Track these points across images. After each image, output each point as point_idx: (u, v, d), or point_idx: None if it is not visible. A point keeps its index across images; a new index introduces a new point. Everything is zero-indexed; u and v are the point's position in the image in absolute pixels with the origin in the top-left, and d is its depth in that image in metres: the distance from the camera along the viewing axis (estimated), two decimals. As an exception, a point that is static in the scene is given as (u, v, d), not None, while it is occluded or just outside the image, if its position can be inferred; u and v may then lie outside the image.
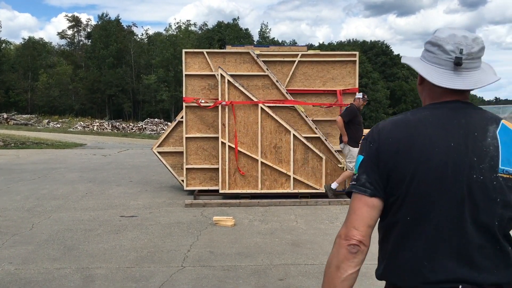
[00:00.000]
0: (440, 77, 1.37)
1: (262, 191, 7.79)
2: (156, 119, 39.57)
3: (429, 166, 1.32)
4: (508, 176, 1.32)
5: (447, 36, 1.39)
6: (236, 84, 7.75)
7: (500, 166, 1.31)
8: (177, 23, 62.63)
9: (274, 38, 67.94)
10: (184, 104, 8.12)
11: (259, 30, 70.10)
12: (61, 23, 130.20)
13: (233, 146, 7.72)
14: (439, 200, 1.32)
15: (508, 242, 1.36)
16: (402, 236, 1.37)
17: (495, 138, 1.33)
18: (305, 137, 7.79)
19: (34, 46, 57.94)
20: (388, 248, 1.41)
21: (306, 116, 7.97)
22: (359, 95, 7.79)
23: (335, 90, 8.26)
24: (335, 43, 69.34)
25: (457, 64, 1.36)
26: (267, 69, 7.98)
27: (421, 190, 1.32)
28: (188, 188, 8.20)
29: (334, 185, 7.63)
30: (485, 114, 1.39)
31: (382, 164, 1.36)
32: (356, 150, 7.05)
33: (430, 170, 1.32)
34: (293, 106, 7.97)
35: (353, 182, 1.41)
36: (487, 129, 1.35)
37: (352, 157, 7.40)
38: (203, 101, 8.04)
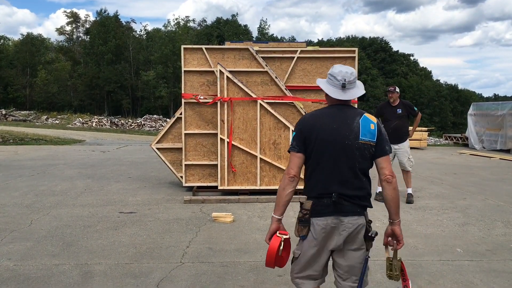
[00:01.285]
0: (335, 93, 2.65)
1: (261, 188, 7.80)
2: (155, 116, 39.51)
3: (323, 137, 2.57)
4: (363, 142, 2.56)
5: (338, 72, 2.65)
6: (235, 80, 7.73)
7: (360, 137, 2.56)
8: (176, 19, 62.60)
9: (273, 34, 67.88)
10: (183, 100, 8.11)
11: (258, 26, 69.90)
12: (59, 19, 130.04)
13: (232, 142, 7.71)
14: (328, 154, 2.56)
15: (365, 176, 2.61)
16: (311, 172, 2.64)
17: (358, 123, 2.58)
18: (304, 134, 7.77)
19: (32, 42, 57.77)
20: (306, 178, 2.67)
21: (305, 113, 7.96)
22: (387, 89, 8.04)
23: (334, 87, 8.24)
24: (334, 40, 69.28)
25: (343, 86, 2.63)
26: (266, 65, 7.96)
27: (320, 148, 2.58)
28: (187, 185, 8.20)
29: (410, 190, 7.77)
30: (356, 110, 2.65)
31: (303, 136, 2.62)
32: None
33: (324, 139, 2.57)
34: (292, 103, 7.96)
35: (291, 146, 2.67)
36: (354, 118, 2.60)
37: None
38: (202, 97, 8.02)
